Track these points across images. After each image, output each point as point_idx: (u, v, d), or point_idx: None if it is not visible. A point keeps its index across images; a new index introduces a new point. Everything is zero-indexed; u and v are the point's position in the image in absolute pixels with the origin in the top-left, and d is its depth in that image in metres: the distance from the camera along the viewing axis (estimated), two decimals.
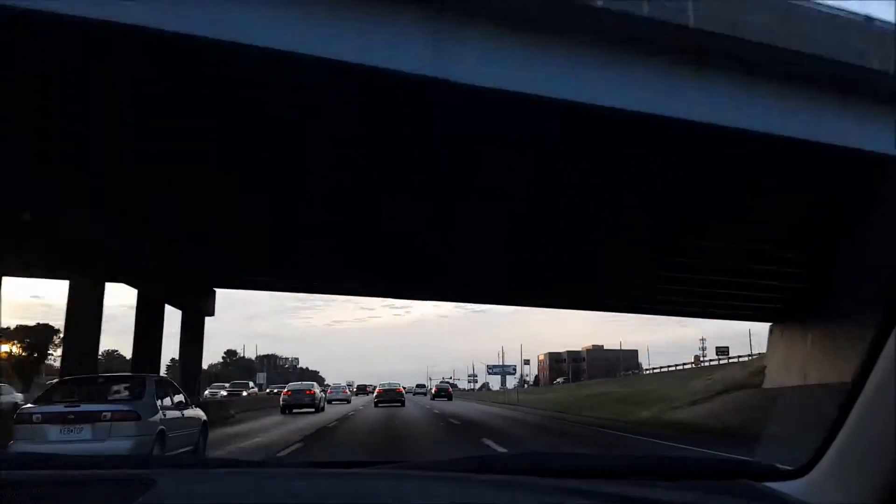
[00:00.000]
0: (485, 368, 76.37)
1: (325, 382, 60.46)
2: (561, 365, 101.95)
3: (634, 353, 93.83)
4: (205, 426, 9.09)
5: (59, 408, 7.05)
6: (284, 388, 27.64)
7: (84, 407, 6.98)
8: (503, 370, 76.04)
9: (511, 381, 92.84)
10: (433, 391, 49.10)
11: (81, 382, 8.22)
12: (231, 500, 1.08)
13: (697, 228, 12.72)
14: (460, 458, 1.34)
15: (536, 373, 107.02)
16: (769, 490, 1.20)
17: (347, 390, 42.62)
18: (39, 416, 7.04)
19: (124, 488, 1.14)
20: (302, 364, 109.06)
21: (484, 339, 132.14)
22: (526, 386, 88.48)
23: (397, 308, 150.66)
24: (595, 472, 1.27)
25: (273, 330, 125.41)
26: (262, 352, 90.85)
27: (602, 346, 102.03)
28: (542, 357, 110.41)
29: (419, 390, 61.60)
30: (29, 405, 7.37)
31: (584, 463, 1.36)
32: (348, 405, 31.92)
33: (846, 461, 1.10)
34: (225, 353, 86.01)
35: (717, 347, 58.80)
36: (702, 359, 62.96)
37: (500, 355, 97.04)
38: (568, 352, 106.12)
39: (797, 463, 1.19)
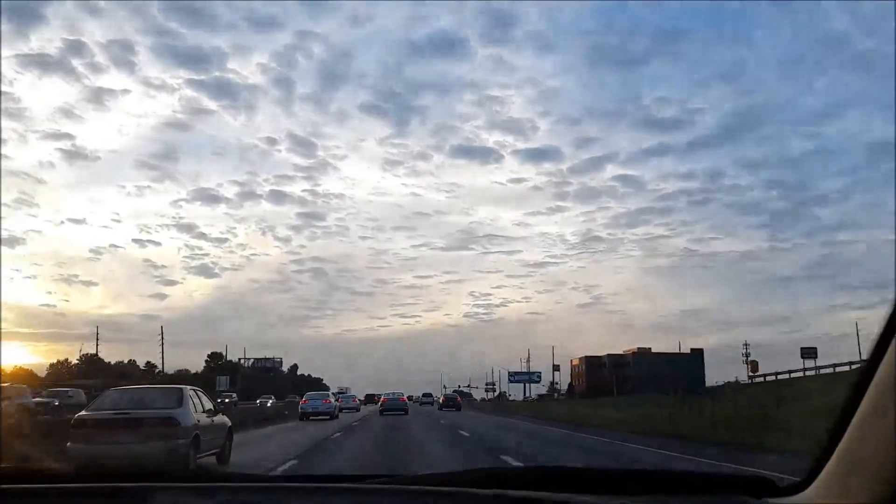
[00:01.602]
0: (505, 375, 75.89)
1: (330, 391, 64.67)
2: (600, 371, 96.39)
3: (699, 355, 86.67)
4: (230, 431, 11.33)
5: (110, 414, 9.27)
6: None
7: (132, 413, 9.18)
8: (529, 377, 74.78)
9: (532, 390, 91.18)
10: (441, 401, 51.33)
11: (128, 391, 10.48)
12: None
13: None
14: (469, 471, 1.54)
15: (570, 380, 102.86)
16: None
17: (357, 399, 49.83)
18: (92, 421, 9.25)
19: (118, 502, 1.35)
20: (305, 371, 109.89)
21: (498, 348, 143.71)
22: (556, 395, 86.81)
23: (407, 318, 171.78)
24: (590, 485, 1.43)
25: (281, 338, 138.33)
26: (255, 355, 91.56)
27: (649, 348, 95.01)
28: (575, 362, 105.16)
29: (426, 400, 64.29)
30: (83, 412, 9.59)
31: (586, 476, 1.54)
32: (358, 413, 37.26)
33: (848, 473, 1.17)
34: (209, 355, 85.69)
35: (802, 349, 52.10)
36: (750, 366, 61.87)
37: (526, 360, 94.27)
38: (609, 355, 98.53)
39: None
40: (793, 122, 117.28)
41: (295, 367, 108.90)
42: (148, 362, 73.04)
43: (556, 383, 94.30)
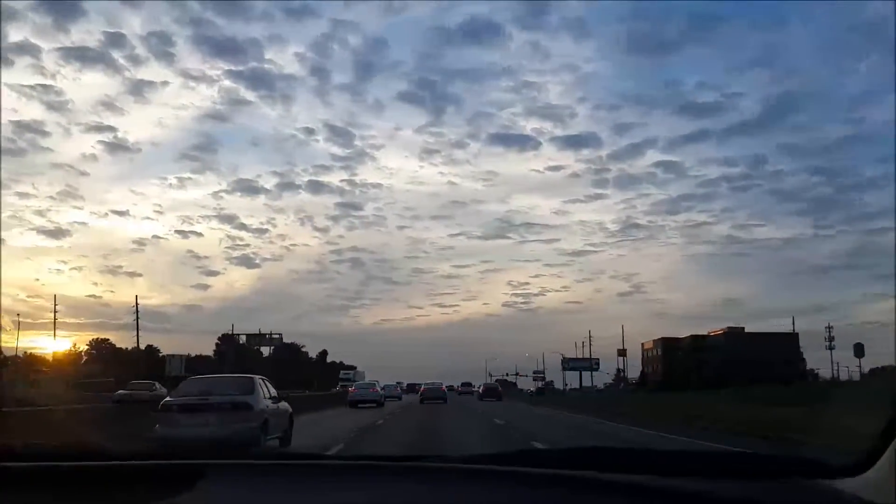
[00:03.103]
0: (554, 362, 75.21)
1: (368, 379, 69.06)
2: (680, 355, 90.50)
3: (794, 337, 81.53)
4: (291, 416, 14.15)
5: (192, 399, 12.09)
6: None
7: (212, 399, 11.98)
8: (590, 364, 72.78)
9: (594, 379, 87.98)
10: (481, 391, 55.32)
11: (205, 379, 13.38)
12: (278, 493, 1.54)
13: None
14: (509, 453, 1.78)
15: (641, 367, 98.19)
16: (824, 487, 1.50)
17: (399, 388, 58.59)
18: (177, 406, 12.09)
19: (172, 478, 1.60)
20: (336, 358, 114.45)
21: (540, 337, 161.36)
22: (623, 385, 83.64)
23: (445, 307, 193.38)
24: (645, 466, 1.63)
25: (318, 328, 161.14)
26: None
27: (742, 328, 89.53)
28: (648, 345, 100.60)
29: (464, 389, 69.00)
30: (168, 398, 12.47)
31: (635, 458, 1.78)
32: (399, 401, 44.96)
33: None
34: (219, 338, 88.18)
35: None
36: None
37: (586, 342, 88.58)
38: (693, 337, 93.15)
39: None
40: (834, 107, 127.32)
41: (324, 353, 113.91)
42: (149, 346, 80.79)
43: (623, 371, 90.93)
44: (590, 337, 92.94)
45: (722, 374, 71.16)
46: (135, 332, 69.01)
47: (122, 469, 1.70)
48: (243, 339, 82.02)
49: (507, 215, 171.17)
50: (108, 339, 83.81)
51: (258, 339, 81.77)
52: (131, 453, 1.91)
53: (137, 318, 69.25)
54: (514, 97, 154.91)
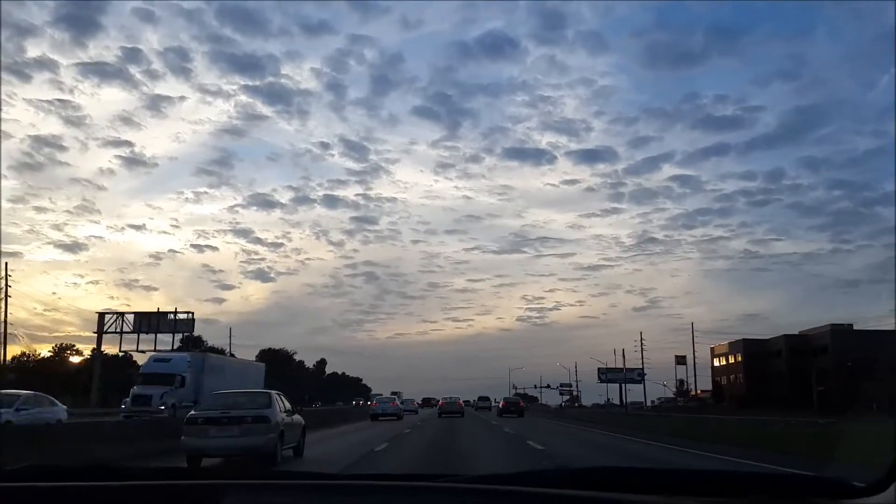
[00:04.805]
0: (587, 373, 72.34)
1: (372, 393, 71.74)
2: (771, 362, 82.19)
3: None
4: (304, 429, 17.38)
5: (216, 413, 15.34)
6: None
7: (233, 413, 15.21)
8: (639, 374, 67.03)
9: (629, 393, 79.88)
10: (501, 405, 57.26)
11: (225, 395, 16.72)
12: None
13: None
14: (522, 472, 2.03)
15: (712, 379, 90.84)
16: None
17: (416, 403, 66.23)
18: (202, 419, 15.35)
19: (190, 499, 1.82)
20: (337, 369, 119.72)
21: (555, 352, 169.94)
22: (682, 402, 78.39)
23: (460, 322, 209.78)
24: (660, 487, 1.80)
25: (336, 343, 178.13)
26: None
27: (850, 325, 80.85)
28: (720, 349, 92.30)
29: (482, 404, 72.73)
30: (193, 412, 15.78)
31: (649, 478, 1.95)
32: (416, 415, 52.14)
33: None
34: (181, 341, 74.60)
35: None
36: None
37: (626, 353, 77.60)
38: (786, 337, 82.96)
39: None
40: (857, 120, 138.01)
41: (322, 362, 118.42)
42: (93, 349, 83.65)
43: (686, 383, 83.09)
44: (641, 341, 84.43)
45: (838, 387, 63.01)
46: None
47: (137, 489, 1.94)
48: (130, 319, 58.02)
49: (522, 230, 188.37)
50: (73, 345, 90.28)
51: (154, 318, 57.16)
52: (148, 472, 2.17)
53: (6, 316, 59.66)
54: (529, 111, 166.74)
